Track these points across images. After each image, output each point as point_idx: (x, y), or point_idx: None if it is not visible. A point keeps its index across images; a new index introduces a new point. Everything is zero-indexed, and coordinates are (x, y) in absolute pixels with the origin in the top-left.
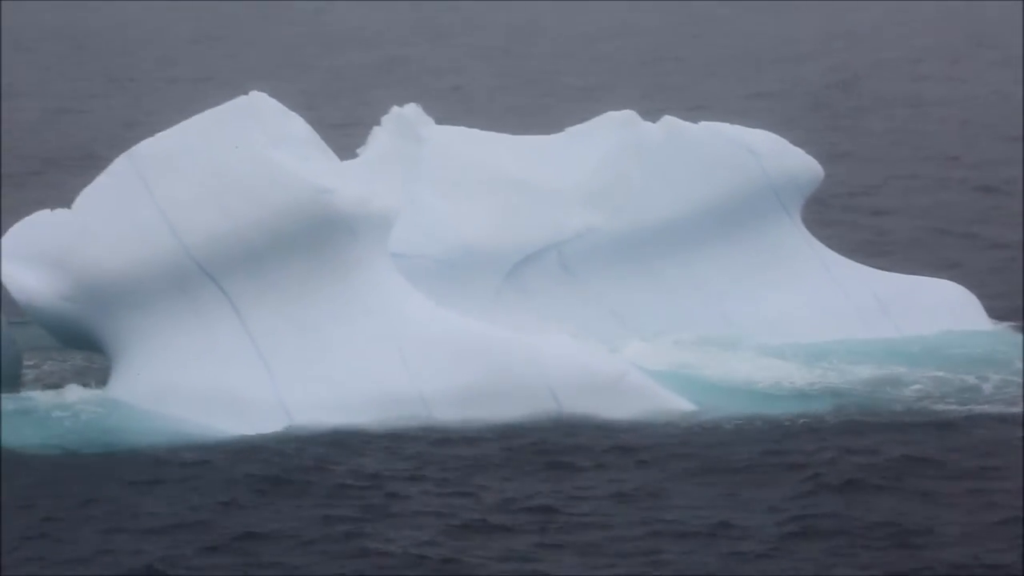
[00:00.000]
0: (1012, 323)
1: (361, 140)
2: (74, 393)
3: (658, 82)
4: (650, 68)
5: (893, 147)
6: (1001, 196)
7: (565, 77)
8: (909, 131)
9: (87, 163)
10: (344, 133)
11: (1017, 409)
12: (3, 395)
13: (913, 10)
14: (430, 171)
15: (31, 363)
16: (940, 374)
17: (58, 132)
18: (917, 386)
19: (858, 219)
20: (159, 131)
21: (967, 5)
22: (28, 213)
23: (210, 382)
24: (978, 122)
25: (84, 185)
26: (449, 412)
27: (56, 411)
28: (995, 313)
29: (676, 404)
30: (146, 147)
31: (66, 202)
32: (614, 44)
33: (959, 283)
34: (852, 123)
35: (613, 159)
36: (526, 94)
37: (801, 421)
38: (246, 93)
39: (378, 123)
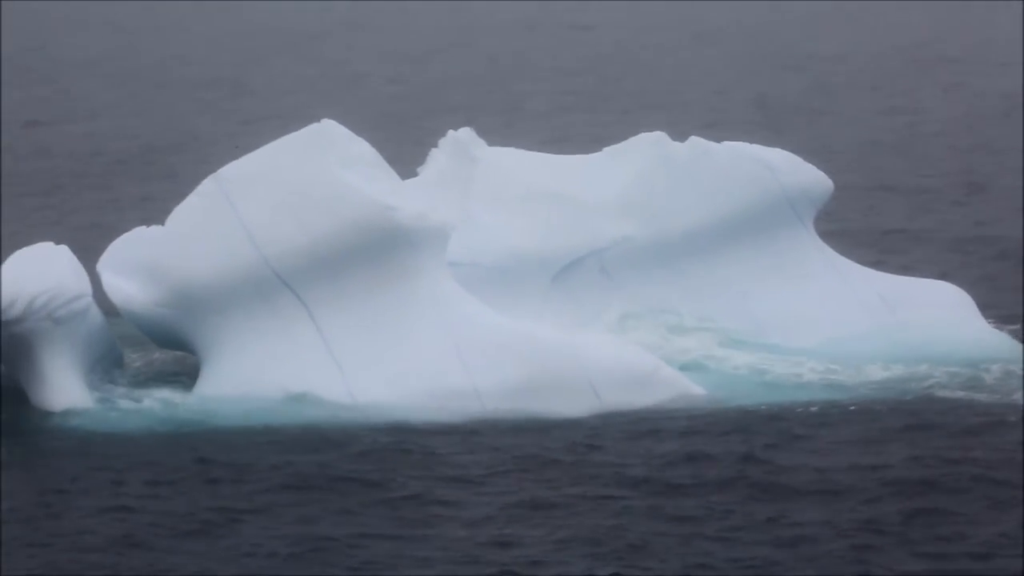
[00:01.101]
0: (1004, 322)
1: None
2: (168, 387)
3: (665, 101)
4: (653, 89)
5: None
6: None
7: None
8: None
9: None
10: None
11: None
12: (108, 387)
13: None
14: (483, 188)
15: (131, 360)
16: (943, 368)
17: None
18: (921, 379)
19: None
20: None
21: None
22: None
23: (288, 377)
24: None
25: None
26: (500, 404)
27: (153, 402)
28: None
29: (703, 396)
30: (230, 170)
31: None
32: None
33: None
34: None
35: (646, 175)
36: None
37: (812, 409)
38: (317, 120)
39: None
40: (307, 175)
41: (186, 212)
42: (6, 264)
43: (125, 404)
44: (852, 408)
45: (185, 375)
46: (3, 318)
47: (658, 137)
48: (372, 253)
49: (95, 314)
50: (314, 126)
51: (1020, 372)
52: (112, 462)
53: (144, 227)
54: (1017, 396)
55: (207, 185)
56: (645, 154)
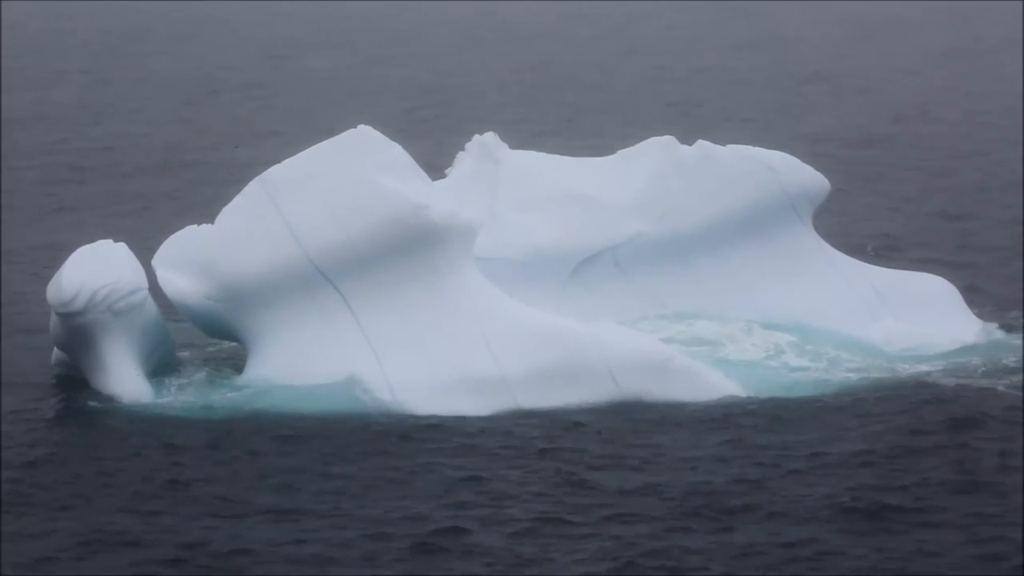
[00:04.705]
0: (989, 315)
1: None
2: (217, 373)
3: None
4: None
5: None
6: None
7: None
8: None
9: None
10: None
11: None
12: (161, 373)
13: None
14: (506, 188)
15: (183, 348)
16: (934, 358)
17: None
18: (914, 369)
19: None
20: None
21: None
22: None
23: (328, 366)
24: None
25: None
26: (527, 390)
27: (202, 387)
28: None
29: (713, 382)
30: (274, 172)
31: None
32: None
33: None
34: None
35: (657, 176)
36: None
37: (810, 407)
38: (354, 127)
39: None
40: (346, 177)
41: (234, 212)
42: (69, 261)
43: (177, 388)
44: (847, 399)
45: (233, 363)
46: (66, 310)
47: (667, 141)
48: (406, 249)
49: (151, 307)
50: (351, 131)
51: (1010, 364)
52: (163, 440)
53: (195, 226)
54: (1007, 386)
55: (253, 187)
56: (656, 157)
